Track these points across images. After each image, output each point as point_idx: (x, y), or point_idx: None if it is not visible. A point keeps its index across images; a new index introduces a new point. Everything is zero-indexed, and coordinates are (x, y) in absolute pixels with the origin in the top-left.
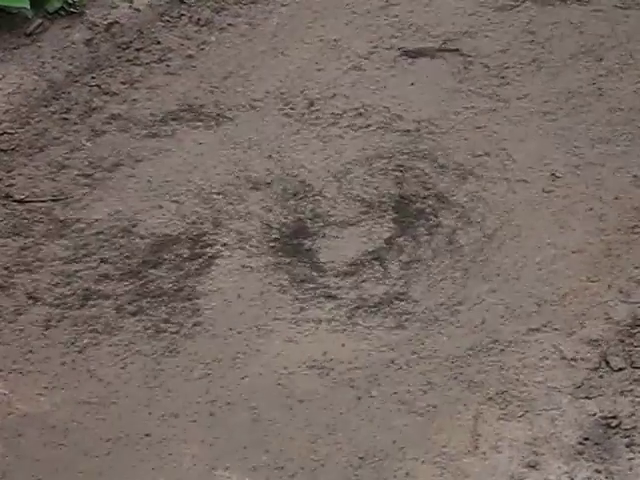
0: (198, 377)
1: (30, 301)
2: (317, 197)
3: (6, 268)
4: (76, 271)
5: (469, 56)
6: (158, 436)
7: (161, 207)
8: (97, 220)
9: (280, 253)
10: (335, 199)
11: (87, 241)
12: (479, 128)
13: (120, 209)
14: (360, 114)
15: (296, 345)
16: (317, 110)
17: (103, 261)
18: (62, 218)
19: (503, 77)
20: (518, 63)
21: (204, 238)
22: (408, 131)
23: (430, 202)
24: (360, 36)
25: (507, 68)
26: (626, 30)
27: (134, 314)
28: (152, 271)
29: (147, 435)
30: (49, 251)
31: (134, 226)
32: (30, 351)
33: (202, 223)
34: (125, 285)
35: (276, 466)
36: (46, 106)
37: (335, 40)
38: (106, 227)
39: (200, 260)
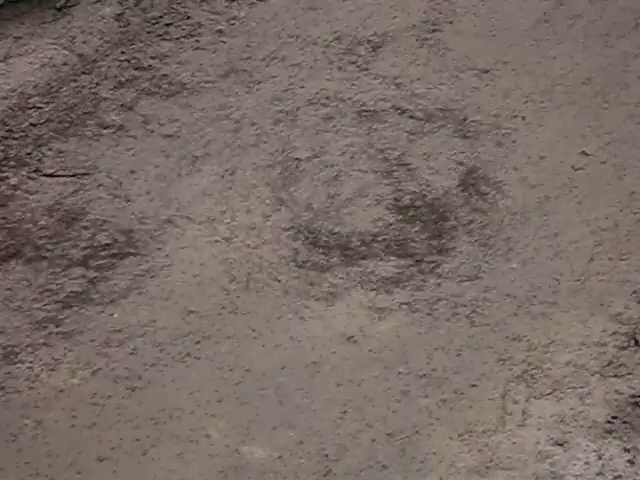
0: (226, 353)
1: (59, 274)
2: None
3: (37, 247)
4: (107, 244)
5: (497, 30)
6: (186, 412)
7: (196, 182)
8: (126, 193)
9: (306, 227)
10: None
11: (114, 213)
12: (509, 103)
13: (153, 185)
14: (395, 96)
15: (324, 322)
16: (343, 98)
17: (133, 229)
18: (92, 191)
19: (533, 53)
20: (548, 39)
21: (233, 205)
22: (436, 104)
23: (458, 175)
24: (390, 12)
25: (536, 43)
26: None
27: (160, 288)
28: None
29: (175, 411)
30: (81, 220)
31: (167, 199)
32: (59, 325)
33: (232, 187)
34: (151, 253)
35: (303, 442)
36: (76, 80)
37: (365, 17)
38: (135, 199)
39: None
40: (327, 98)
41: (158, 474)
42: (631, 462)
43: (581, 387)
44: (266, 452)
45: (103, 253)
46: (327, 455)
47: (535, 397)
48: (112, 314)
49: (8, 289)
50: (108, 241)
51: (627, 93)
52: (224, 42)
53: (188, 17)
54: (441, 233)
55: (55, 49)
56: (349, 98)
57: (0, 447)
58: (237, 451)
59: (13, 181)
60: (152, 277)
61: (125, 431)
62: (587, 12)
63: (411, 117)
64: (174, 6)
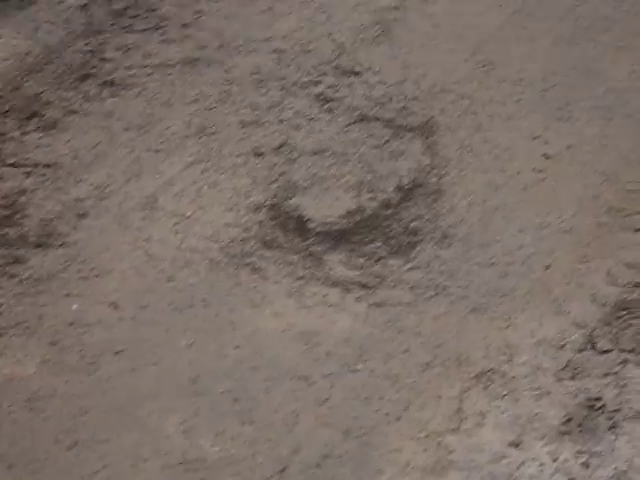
0: (183, 347)
1: (16, 263)
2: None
3: None
4: (68, 233)
5: (463, 31)
6: (141, 405)
7: (160, 173)
8: (89, 184)
9: (268, 219)
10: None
11: (75, 204)
12: (474, 104)
13: (114, 176)
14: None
15: (283, 318)
16: (307, 83)
17: (95, 219)
18: (53, 182)
19: (499, 54)
20: (514, 40)
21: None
22: (401, 104)
23: (418, 178)
24: (353, 10)
25: (501, 45)
26: (624, 11)
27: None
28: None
29: (130, 404)
30: (42, 209)
31: (131, 189)
32: (14, 315)
33: (200, 177)
34: (112, 244)
35: (260, 438)
36: (39, 71)
37: (331, 14)
38: (97, 192)
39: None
40: (286, 90)
41: (118, 467)
42: (585, 465)
43: (537, 389)
44: (223, 447)
45: (62, 242)
46: (283, 451)
47: (491, 398)
48: (71, 305)
49: None
50: (68, 230)
51: (591, 96)
52: (189, 35)
53: (154, 10)
54: (402, 234)
55: (18, 39)
56: (320, 93)
57: None
58: (194, 446)
59: None
60: (111, 269)
61: (81, 423)
62: (554, 14)
63: (377, 119)
64: None
